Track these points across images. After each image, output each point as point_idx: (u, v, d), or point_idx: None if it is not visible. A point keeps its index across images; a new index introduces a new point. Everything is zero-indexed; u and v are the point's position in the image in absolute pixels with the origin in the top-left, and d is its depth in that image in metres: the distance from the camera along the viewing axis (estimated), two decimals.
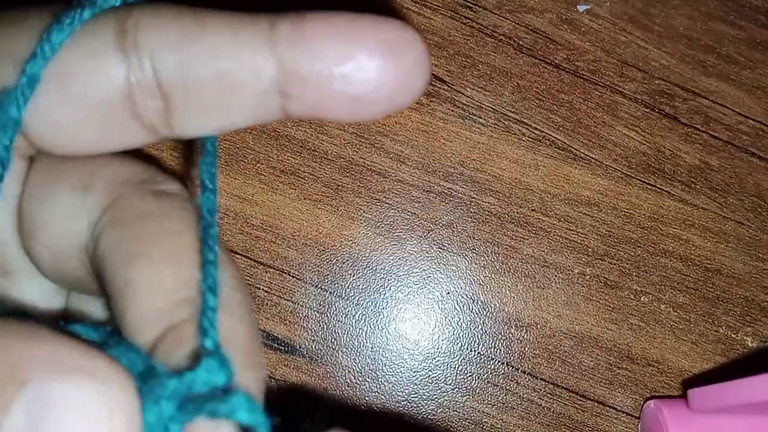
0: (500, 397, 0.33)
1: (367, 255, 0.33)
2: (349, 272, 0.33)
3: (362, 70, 0.14)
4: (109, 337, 0.13)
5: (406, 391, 0.33)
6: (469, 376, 0.33)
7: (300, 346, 0.33)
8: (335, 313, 0.33)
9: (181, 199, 0.16)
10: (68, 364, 0.10)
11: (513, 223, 0.34)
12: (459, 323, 0.33)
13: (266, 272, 0.33)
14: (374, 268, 0.33)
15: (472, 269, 0.34)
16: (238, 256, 0.32)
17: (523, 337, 0.34)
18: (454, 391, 0.33)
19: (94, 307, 0.18)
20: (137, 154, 0.17)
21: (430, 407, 0.33)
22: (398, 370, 0.33)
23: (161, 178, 0.16)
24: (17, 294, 0.17)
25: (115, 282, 0.14)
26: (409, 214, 0.33)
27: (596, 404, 0.34)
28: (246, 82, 0.14)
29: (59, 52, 0.13)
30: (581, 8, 0.35)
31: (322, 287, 0.33)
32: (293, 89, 0.14)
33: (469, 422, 0.33)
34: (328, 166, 0.33)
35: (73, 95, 0.14)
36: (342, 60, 0.14)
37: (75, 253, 0.16)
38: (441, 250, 0.34)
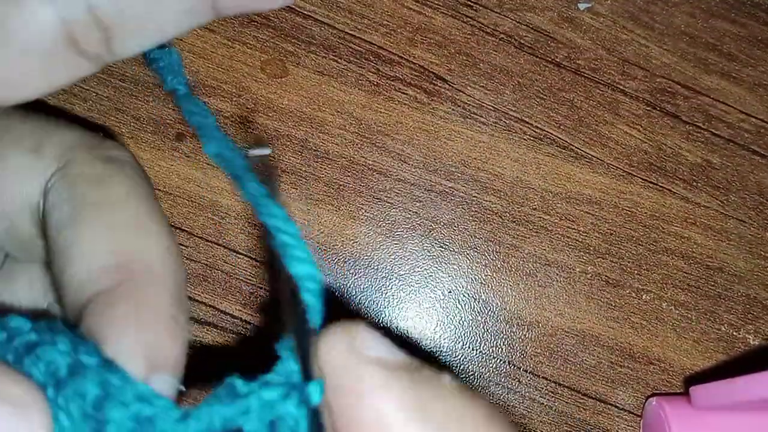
0: (502, 396, 0.33)
1: (368, 254, 0.33)
2: (351, 271, 0.33)
3: None
4: (43, 333, 0.13)
5: None
6: (471, 374, 0.33)
7: None
8: (337, 313, 0.33)
9: (129, 165, 0.16)
10: None
11: (514, 221, 0.34)
12: (461, 322, 0.34)
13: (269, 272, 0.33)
14: (376, 268, 0.33)
15: (474, 268, 0.34)
16: (241, 255, 0.33)
17: (525, 335, 0.34)
18: None
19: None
20: (87, 125, 0.17)
21: None
22: None
23: (110, 144, 0.17)
24: None
25: (57, 241, 0.15)
26: (410, 213, 0.34)
27: (598, 402, 0.34)
28: None
29: None
30: (582, 6, 0.35)
31: (324, 287, 0.33)
32: None
33: None
34: (330, 166, 0.33)
35: (10, 51, 0.13)
36: None
37: (27, 214, 0.16)
38: (442, 249, 0.34)
